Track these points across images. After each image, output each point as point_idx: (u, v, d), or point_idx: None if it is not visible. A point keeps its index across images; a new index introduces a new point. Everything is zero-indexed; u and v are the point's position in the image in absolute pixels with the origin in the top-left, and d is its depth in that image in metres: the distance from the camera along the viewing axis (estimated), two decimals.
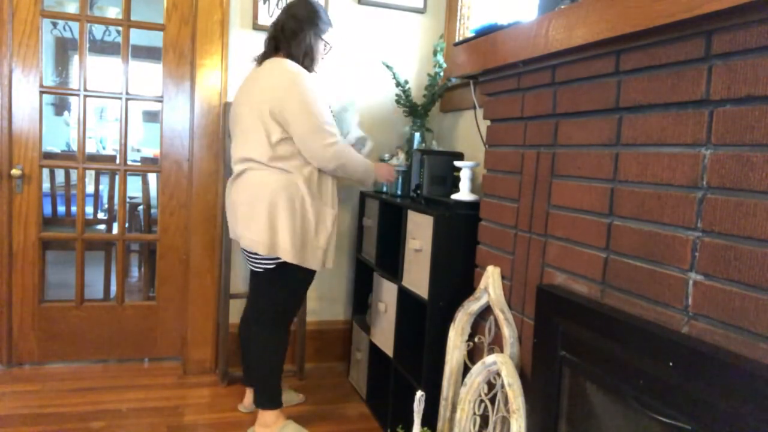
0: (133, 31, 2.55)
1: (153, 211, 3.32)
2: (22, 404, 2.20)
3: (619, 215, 1.17)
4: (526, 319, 1.48)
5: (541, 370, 1.36)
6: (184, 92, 2.61)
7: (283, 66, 1.95)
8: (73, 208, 3.09)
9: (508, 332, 1.50)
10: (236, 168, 1.99)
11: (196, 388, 2.45)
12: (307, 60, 2.01)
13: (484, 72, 1.67)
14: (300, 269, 1.97)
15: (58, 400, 2.25)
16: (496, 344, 1.58)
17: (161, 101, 2.59)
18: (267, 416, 2.02)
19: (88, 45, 2.52)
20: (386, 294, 2.24)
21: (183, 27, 2.57)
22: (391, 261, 2.23)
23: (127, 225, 2.84)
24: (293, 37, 1.98)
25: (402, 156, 2.40)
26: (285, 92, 1.90)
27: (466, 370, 1.65)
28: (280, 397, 2.05)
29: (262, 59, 2.07)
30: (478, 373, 1.53)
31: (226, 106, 2.53)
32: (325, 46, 2.09)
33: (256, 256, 1.95)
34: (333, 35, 2.13)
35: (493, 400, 1.51)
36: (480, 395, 1.54)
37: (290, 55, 1.99)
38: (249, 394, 2.26)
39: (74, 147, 4.79)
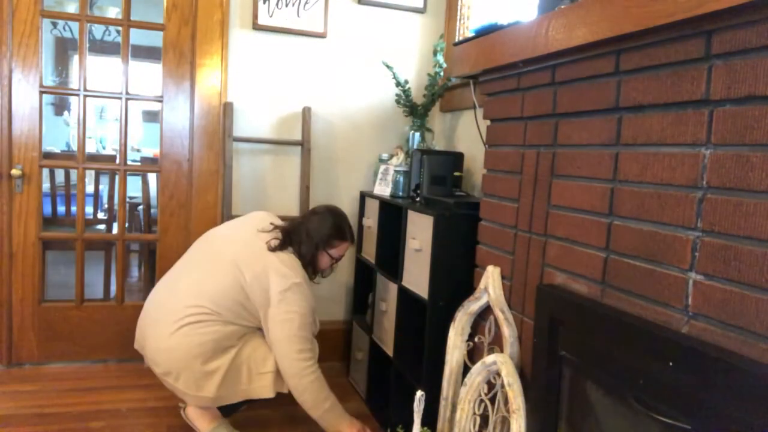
0: (133, 31, 2.55)
1: (153, 211, 3.32)
2: (22, 404, 2.20)
3: (619, 215, 1.17)
4: (526, 319, 1.48)
5: (541, 370, 1.36)
6: (184, 92, 2.61)
7: (290, 265, 1.90)
8: (73, 208, 3.09)
9: (508, 332, 1.50)
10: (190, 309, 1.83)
11: None
12: (309, 269, 1.99)
13: (484, 72, 1.67)
14: None
15: (58, 400, 2.25)
16: (496, 344, 1.58)
17: (161, 101, 2.59)
18: (212, 410, 1.97)
19: (88, 45, 2.52)
20: (386, 294, 2.24)
21: (183, 27, 2.57)
22: (391, 261, 2.23)
23: (127, 225, 2.84)
24: (302, 244, 1.97)
25: (402, 156, 2.40)
26: (273, 287, 1.85)
27: (466, 370, 1.65)
28: (237, 410, 2.03)
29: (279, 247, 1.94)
30: (478, 372, 1.53)
31: (226, 106, 2.54)
32: (333, 261, 2.08)
33: None
34: (345, 249, 2.10)
35: (493, 400, 1.51)
36: (480, 395, 1.54)
37: (300, 255, 1.96)
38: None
39: (74, 147, 4.79)
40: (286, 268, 1.88)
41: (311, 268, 2.02)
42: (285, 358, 1.85)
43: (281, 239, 1.95)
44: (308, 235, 1.99)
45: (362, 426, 1.95)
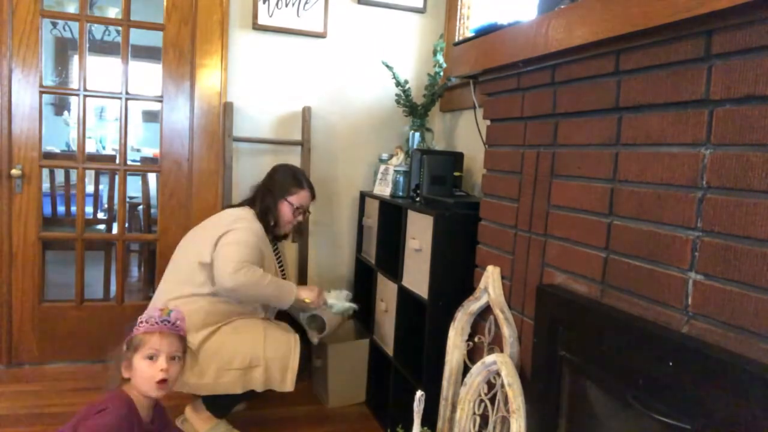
0: (133, 31, 2.55)
1: (153, 211, 3.32)
2: (22, 404, 2.20)
3: (619, 215, 1.17)
4: (526, 319, 1.48)
5: (541, 370, 1.36)
6: (183, 92, 2.61)
7: (237, 213, 2.07)
8: (73, 208, 3.09)
9: (508, 332, 1.50)
10: None
11: None
12: (269, 217, 2.10)
13: (484, 72, 1.67)
14: None
15: (58, 400, 2.25)
16: (496, 344, 1.58)
17: (161, 101, 2.59)
18: (205, 412, 2.00)
19: (87, 45, 2.52)
20: (386, 294, 2.24)
21: (183, 27, 2.56)
22: (391, 261, 2.23)
23: (127, 225, 2.84)
24: (261, 197, 2.12)
25: (402, 156, 2.41)
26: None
27: (466, 369, 1.65)
28: (228, 411, 2.04)
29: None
30: (478, 372, 1.53)
31: (226, 106, 2.54)
32: (295, 211, 2.14)
33: None
34: (306, 199, 2.18)
35: (493, 400, 1.51)
36: (480, 395, 1.54)
37: (260, 212, 2.09)
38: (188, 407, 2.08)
39: (74, 147, 4.79)
40: (232, 215, 2.04)
41: (274, 224, 2.11)
42: (222, 263, 1.88)
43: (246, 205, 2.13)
44: (266, 190, 2.13)
45: (319, 289, 2.09)
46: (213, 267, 1.90)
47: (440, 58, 2.47)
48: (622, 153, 1.17)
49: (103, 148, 5.48)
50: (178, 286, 1.96)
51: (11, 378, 2.43)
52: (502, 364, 1.44)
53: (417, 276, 1.95)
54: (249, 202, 2.14)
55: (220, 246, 1.93)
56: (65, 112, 5.60)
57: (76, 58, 4.98)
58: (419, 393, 1.52)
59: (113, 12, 4.27)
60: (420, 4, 2.75)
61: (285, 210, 2.12)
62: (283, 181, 2.13)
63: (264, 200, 2.10)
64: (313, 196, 2.22)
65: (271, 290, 1.93)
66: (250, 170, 2.64)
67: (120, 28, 2.55)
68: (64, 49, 5.74)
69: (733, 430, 0.87)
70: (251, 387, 1.90)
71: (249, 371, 1.89)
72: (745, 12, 0.87)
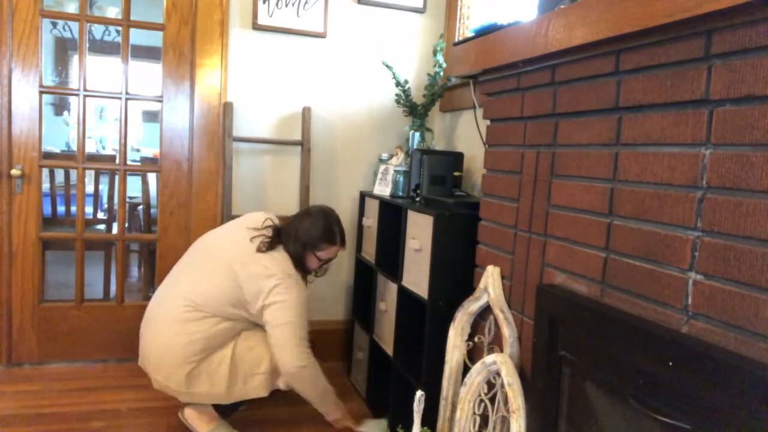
0: (133, 31, 2.55)
1: (153, 210, 3.32)
2: (22, 404, 2.20)
3: (618, 215, 1.17)
4: (526, 319, 1.48)
5: (541, 370, 1.36)
6: (183, 92, 2.61)
7: (279, 262, 1.94)
8: (73, 208, 3.09)
9: (508, 332, 1.50)
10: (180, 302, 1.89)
11: None
12: (298, 268, 2.00)
13: (484, 72, 1.67)
14: None
15: (58, 400, 2.25)
16: (496, 344, 1.58)
17: (161, 101, 2.59)
18: (208, 413, 2.00)
19: (87, 45, 2.52)
20: (386, 294, 2.24)
21: (183, 27, 2.57)
22: (391, 261, 2.23)
23: (126, 225, 2.84)
24: (290, 244, 1.99)
25: (402, 156, 2.41)
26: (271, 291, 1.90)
27: (466, 369, 1.65)
28: (234, 410, 2.07)
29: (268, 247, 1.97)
30: (477, 372, 1.53)
31: (226, 106, 2.54)
32: (321, 262, 2.08)
33: None
34: (335, 252, 2.11)
35: (492, 400, 1.51)
36: (480, 395, 1.54)
37: (289, 253, 1.99)
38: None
39: (74, 147, 4.80)
40: (275, 266, 1.92)
41: (300, 268, 2.02)
42: (286, 345, 1.89)
43: (271, 238, 1.98)
44: (297, 236, 2.00)
45: (342, 412, 2.09)
46: (271, 340, 1.90)
47: (440, 58, 2.47)
48: (622, 153, 1.17)
49: (103, 148, 5.48)
50: (197, 298, 1.89)
51: (11, 378, 2.43)
52: (502, 364, 1.44)
53: (417, 276, 1.95)
54: (276, 238, 1.99)
55: (275, 316, 1.88)
56: (65, 112, 5.60)
57: (76, 58, 4.99)
58: (419, 393, 1.52)
59: (113, 12, 4.28)
60: (420, 4, 2.75)
61: (311, 261, 2.06)
62: (314, 233, 2.01)
63: (290, 246, 1.99)
64: (344, 246, 2.13)
65: (318, 394, 2.00)
66: (250, 170, 2.65)
67: (120, 28, 2.55)
68: (64, 49, 5.74)
69: (732, 429, 0.87)
70: (275, 387, 1.98)
71: (276, 373, 1.96)
72: (745, 12, 0.87)
